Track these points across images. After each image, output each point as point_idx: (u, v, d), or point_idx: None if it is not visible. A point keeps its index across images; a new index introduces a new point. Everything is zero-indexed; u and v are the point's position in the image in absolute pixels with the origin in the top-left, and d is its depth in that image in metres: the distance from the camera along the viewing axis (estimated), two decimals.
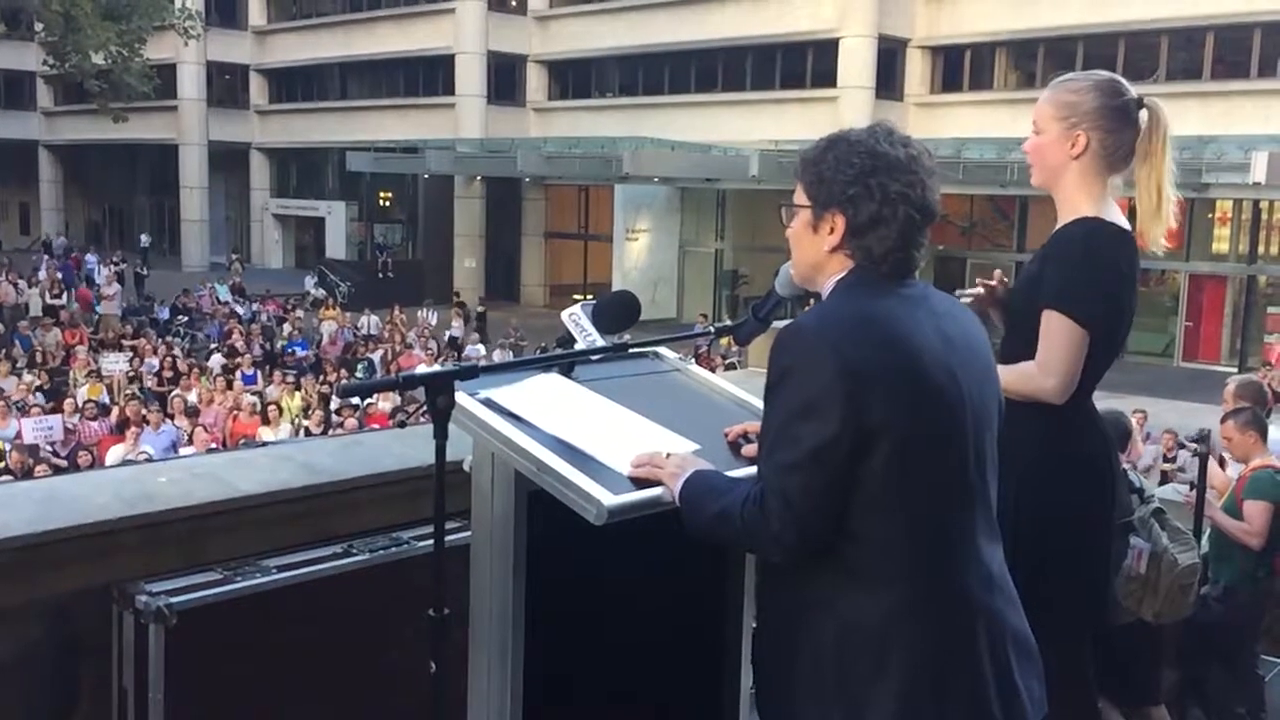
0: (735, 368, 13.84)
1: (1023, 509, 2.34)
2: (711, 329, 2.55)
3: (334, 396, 15.55)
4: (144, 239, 38.77)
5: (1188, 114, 22.08)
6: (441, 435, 1.87)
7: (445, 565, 1.95)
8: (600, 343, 2.30)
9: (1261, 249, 24.85)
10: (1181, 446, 5.09)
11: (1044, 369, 2.44)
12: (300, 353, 19.84)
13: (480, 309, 26.21)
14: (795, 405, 1.75)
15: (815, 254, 1.92)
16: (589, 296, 25.36)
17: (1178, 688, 4.72)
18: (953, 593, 1.82)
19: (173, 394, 15.15)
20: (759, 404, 2.34)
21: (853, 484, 1.74)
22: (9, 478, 10.14)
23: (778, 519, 1.74)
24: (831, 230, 1.88)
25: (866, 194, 1.83)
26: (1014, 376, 2.43)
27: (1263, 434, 5.09)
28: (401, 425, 2.84)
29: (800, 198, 1.92)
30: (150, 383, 16.70)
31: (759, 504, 1.77)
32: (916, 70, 29.08)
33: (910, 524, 1.78)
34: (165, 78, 33.67)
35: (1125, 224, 2.51)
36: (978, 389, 1.87)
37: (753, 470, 1.95)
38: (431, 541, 2.60)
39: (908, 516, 1.77)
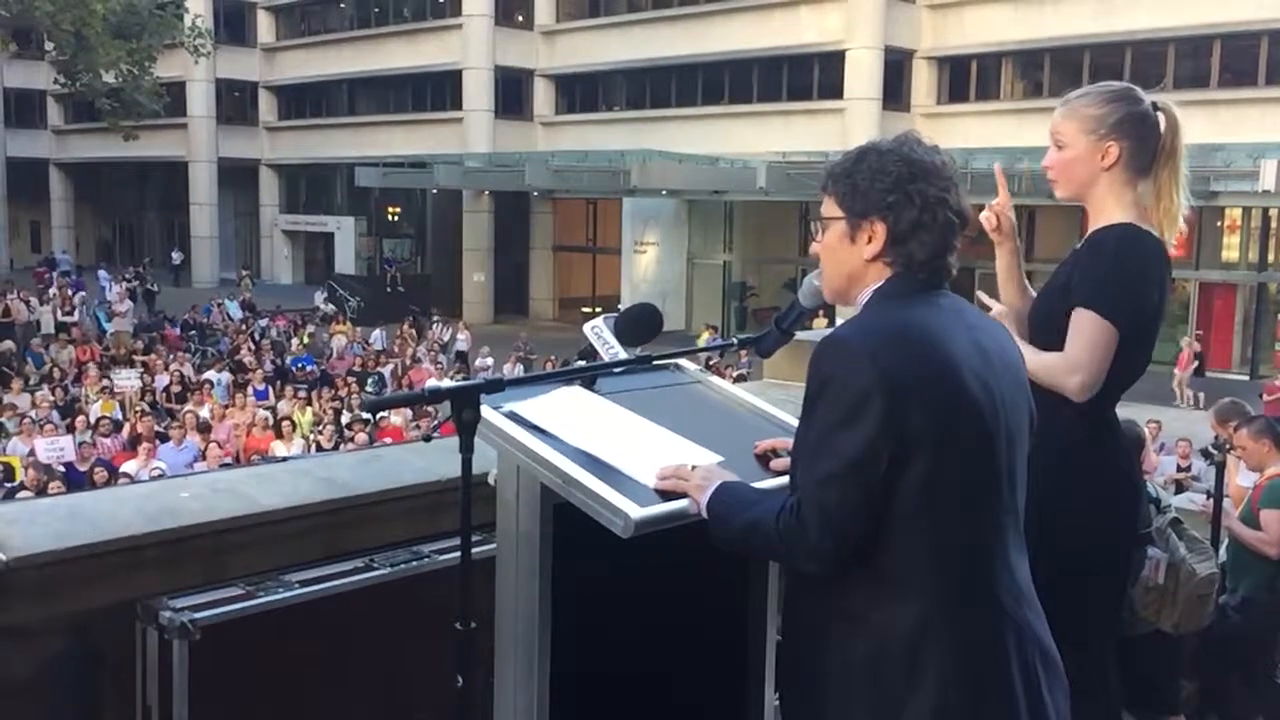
0: (745, 379, 13.83)
1: (1046, 515, 2.33)
2: (735, 340, 2.55)
3: (345, 411, 15.59)
4: (176, 256, 38.86)
5: (1195, 122, 21.73)
6: (467, 449, 1.87)
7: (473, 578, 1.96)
8: (623, 355, 2.30)
9: (1271, 257, 24.78)
10: (1206, 457, 5.07)
11: (1070, 365, 2.43)
12: (307, 368, 19.86)
13: (435, 319, 26.28)
14: (835, 416, 1.75)
15: (853, 264, 1.91)
16: (598, 310, 25.44)
17: (1196, 698, 4.70)
18: (984, 604, 1.82)
19: (185, 410, 15.18)
20: (780, 415, 2.36)
21: (890, 495, 1.74)
22: (27, 494, 10.16)
23: (815, 530, 1.74)
24: (870, 239, 1.87)
25: (907, 201, 1.84)
26: (1040, 366, 2.43)
27: (1277, 443, 5.08)
28: (427, 440, 2.82)
29: (832, 210, 1.92)
30: (161, 398, 16.75)
31: (795, 514, 1.76)
32: (923, 81, 29.11)
33: (943, 536, 1.77)
34: (175, 95, 33.89)
35: (1156, 231, 2.52)
36: (1011, 403, 1.87)
37: (778, 482, 1.95)
38: (452, 555, 2.62)
39: (941, 528, 1.77)
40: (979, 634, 1.80)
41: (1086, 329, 2.43)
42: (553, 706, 2.05)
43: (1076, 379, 2.42)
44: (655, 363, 2.41)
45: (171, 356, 19.71)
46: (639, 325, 2.34)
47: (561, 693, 2.06)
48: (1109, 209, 2.52)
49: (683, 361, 2.48)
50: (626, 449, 2.01)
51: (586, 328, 2.35)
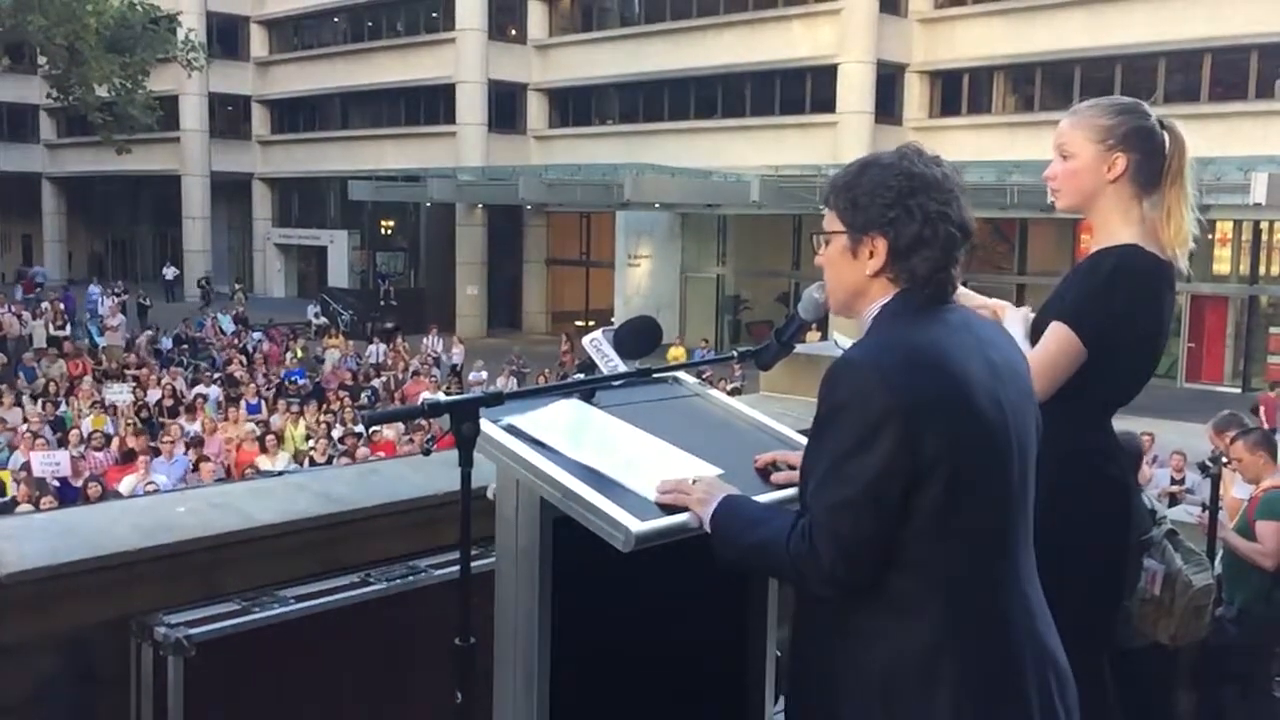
0: (739, 393, 13.82)
1: (1043, 526, 2.33)
2: (735, 353, 2.54)
3: (338, 425, 15.55)
4: (169, 271, 38.87)
5: (1186, 136, 22.05)
6: (467, 462, 1.86)
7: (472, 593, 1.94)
8: (622, 368, 2.30)
9: (1262, 269, 24.87)
10: (1203, 470, 5.09)
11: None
12: (299, 381, 19.83)
13: (390, 325, 26.30)
14: (849, 441, 1.73)
15: (855, 279, 1.89)
16: (591, 323, 25.39)
17: (1193, 711, 4.69)
18: (999, 620, 1.81)
19: (170, 423, 15.13)
20: (779, 428, 2.35)
21: (905, 516, 1.73)
22: (28, 507, 10.10)
23: (829, 555, 1.72)
24: (872, 254, 1.86)
25: (907, 215, 1.82)
26: None
27: (1273, 454, 5.10)
28: (426, 453, 2.78)
29: (833, 224, 1.90)
30: (154, 412, 16.69)
31: (807, 539, 1.74)
32: (915, 94, 29.22)
33: (958, 553, 1.77)
34: (168, 109, 33.86)
35: (1162, 253, 2.52)
36: (1021, 418, 1.86)
37: (779, 495, 1.94)
38: (449, 570, 2.61)
39: (956, 545, 1.76)
40: (994, 649, 1.80)
41: (1054, 341, 2.46)
42: None
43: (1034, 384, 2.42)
44: (654, 376, 2.40)
45: (164, 370, 19.67)
46: (638, 338, 2.33)
47: (561, 708, 2.04)
48: (1114, 225, 2.52)
49: (681, 374, 2.48)
50: (626, 462, 2.00)
51: (585, 340, 2.35)
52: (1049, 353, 2.46)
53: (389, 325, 26.48)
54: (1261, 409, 16.41)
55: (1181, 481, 11.09)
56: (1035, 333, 2.61)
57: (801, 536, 1.75)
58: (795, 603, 1.95)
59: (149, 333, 23.88)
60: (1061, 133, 2.56)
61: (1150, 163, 2.52)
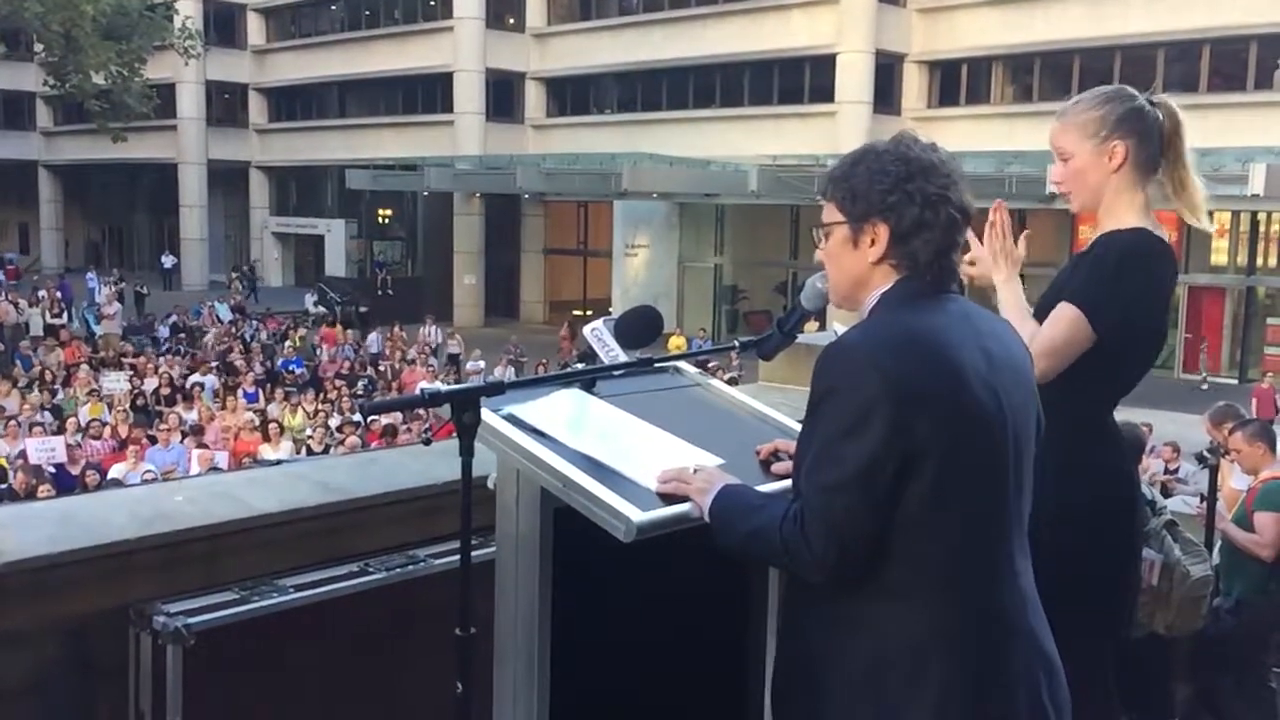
0: (737, 383, 13.80)
1: (1046, 520, 2.33)
2: (736, 343, 2.54)
3: (334, 414, 15.54)
4: (167, 260, 38.87)
5: (1185, 126, 22.02)
6: (468, 452, 1.86)
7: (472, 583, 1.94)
8: (623, 358, 2.29)
9: (1260, 260, 24.88)
10: (1201, 461, 5.09)
11: (1043, 349, 2.40)
12: (296, 370, 19.82)
13: (363, 309, 26.39)
14: (840, 425, 1.73)
15: (858, 269, 1.89)
16: (589, 313, 25.37)
17: (1190, 701, 4.70)
18: (990, 612, 1.80)
19: (169, 412, 15.11)
20: (779, 418, 2.35)
21: (895, 504, 1.72)
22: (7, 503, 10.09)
23: (820, 539, 1.72)
24: (873, 241, 1.85)
25: (907, 199, 1.81)
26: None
27: (1271, 445, 5.10)
28: (426, 443, 2.76)
29: (832, 215, 1.90)
30: (150, 400, 16.66)
31: (798, 523, 1.74)
32: (914, 85, 29.17)
33: (949, 543, 1.76)
34: (165, 97, 33.78)
35: (1166, 236, 2.51)
36: (1020, 409, 1.85)
37: (781, 485, 1.93)
38: (449, 559, 2.61)
39: (947, 535, 1.75)
40: (982, 641, 1.79)
41: (1066, 322, 2.44)
42: (553, 712, 2.03)
43: (1043, 364, 2.38)
44: (655, 365, 2.39)
45: (161, 359, 19.64)
46: (640, 328, 2.33)
47: (561, 698, 2.04)
48: (1119, 211, 2.52)
49: (682, 364, 2.47)
50: (627, 452, 1.99)
51: (586, 330, 2.34)
52: (1057, 334, 2.44)
53: (362, 309, 26.51)
54: (1255, 401, 16.41)
55: (1175, 471, 11.10)
56: (1044, 315, 2.60)
57: (793, 521, 1.75)
58: (785, 589, 1.95)
59: (214, 331, 23.68)
60: (1055, 136, 2.55)
61: (1147, 144, 2.51)
